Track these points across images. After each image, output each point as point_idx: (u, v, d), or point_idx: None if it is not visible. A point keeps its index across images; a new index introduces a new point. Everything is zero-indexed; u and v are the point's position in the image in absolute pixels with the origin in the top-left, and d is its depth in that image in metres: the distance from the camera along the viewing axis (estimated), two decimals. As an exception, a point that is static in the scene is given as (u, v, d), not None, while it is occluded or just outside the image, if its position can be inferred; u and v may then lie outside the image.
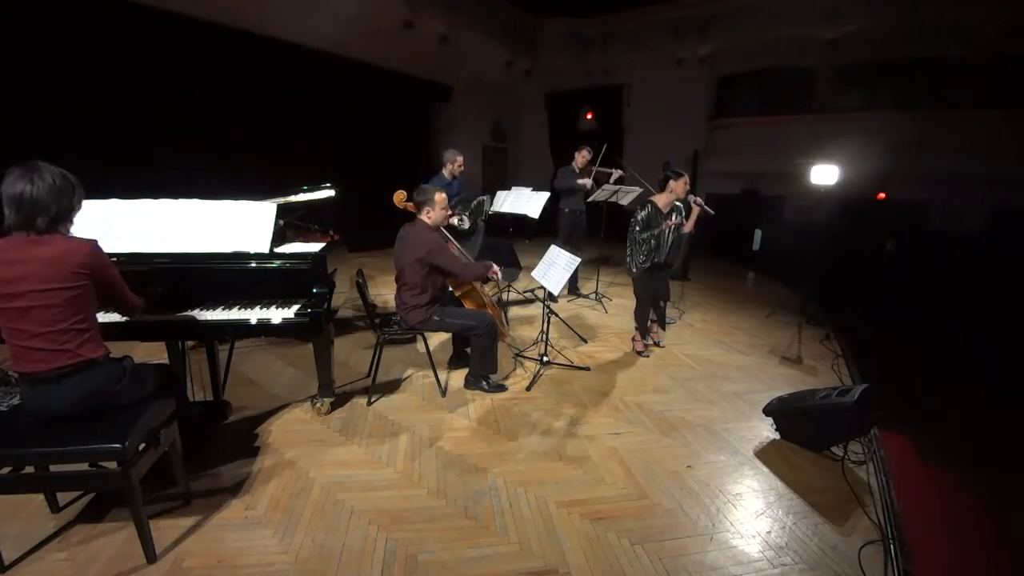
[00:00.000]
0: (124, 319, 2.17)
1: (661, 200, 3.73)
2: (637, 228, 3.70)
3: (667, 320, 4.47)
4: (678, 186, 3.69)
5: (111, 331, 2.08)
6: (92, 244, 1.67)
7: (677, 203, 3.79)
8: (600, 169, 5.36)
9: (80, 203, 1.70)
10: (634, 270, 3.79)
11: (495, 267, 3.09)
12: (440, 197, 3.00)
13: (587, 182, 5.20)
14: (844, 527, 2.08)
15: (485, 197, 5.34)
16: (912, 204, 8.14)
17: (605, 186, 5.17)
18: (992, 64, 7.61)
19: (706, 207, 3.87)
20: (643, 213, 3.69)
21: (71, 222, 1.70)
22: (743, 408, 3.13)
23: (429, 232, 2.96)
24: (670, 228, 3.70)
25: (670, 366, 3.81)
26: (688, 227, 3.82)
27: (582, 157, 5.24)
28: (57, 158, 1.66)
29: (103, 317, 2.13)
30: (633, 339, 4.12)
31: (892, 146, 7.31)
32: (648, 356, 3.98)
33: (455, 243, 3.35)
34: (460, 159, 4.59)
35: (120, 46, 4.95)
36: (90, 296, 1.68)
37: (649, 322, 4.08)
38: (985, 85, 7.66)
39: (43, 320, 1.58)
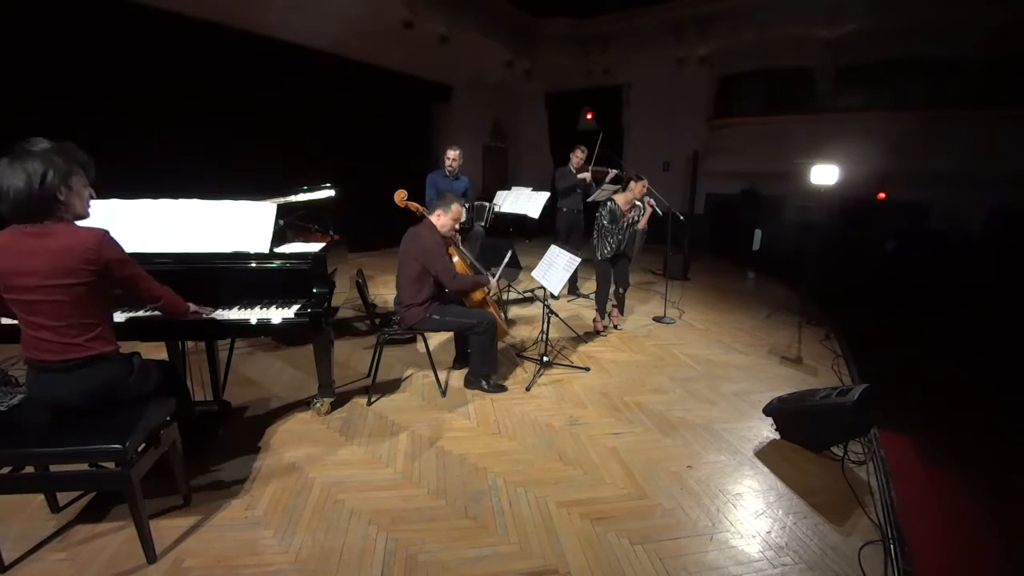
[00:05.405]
0: (125, 317, 2.17)
1: (621, 199, 4.17)
2: (605, 221, 4.15)
3: (666, 320, 4.95)
4: (637, 187, 4.15)
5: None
6: (100, 236, 1.61)
7: (637, 203, 4.24)
8: (597, 168, 5.38)
9: (66, 178, 1.58)
10: (599, 257, 4.25)
11: (493, 282, 3.16)
12: (456, 208, 3.03)
13: (586, 175, 5.29)
14: (844, 527, 2.07)
15: (488, 203, 5.41)
16: (912, 204, 8.13)
17: (605, 186, 5.19)
18: (991, 64, 7.61)
19: (657, 209, 4.33)
20: (607, 208, 4.15)
21: (75, 197, 1.60)
22: (743, 408, 3.13)
23: (433, 234, 2.97)
24: (628, 223, 4.20)
25: (670, 366, 3.81)
26: (642, 224, 4.29)
27: (577, 158, 5.30)
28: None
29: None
30: (594, 320, 4.53)
31: (892, 146, 7.31)
32: (606, 336, 4.36)
33: (460, 247, 3.33)
34: (453, 153, 4.76)
35: (119, 46, 4.94)
36: (100, 291, 1.65)
37: (610, 306, 4.54)
38: (985, 85, 7.65)
39: (52, 314, 1.57)
